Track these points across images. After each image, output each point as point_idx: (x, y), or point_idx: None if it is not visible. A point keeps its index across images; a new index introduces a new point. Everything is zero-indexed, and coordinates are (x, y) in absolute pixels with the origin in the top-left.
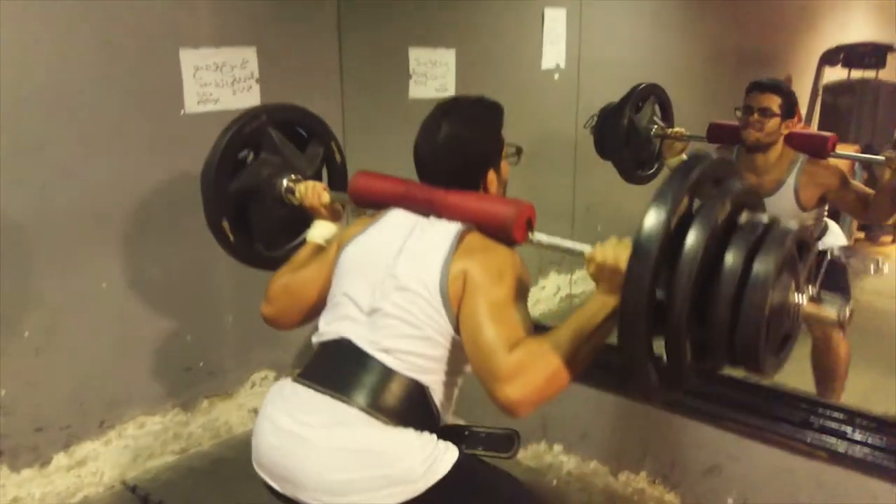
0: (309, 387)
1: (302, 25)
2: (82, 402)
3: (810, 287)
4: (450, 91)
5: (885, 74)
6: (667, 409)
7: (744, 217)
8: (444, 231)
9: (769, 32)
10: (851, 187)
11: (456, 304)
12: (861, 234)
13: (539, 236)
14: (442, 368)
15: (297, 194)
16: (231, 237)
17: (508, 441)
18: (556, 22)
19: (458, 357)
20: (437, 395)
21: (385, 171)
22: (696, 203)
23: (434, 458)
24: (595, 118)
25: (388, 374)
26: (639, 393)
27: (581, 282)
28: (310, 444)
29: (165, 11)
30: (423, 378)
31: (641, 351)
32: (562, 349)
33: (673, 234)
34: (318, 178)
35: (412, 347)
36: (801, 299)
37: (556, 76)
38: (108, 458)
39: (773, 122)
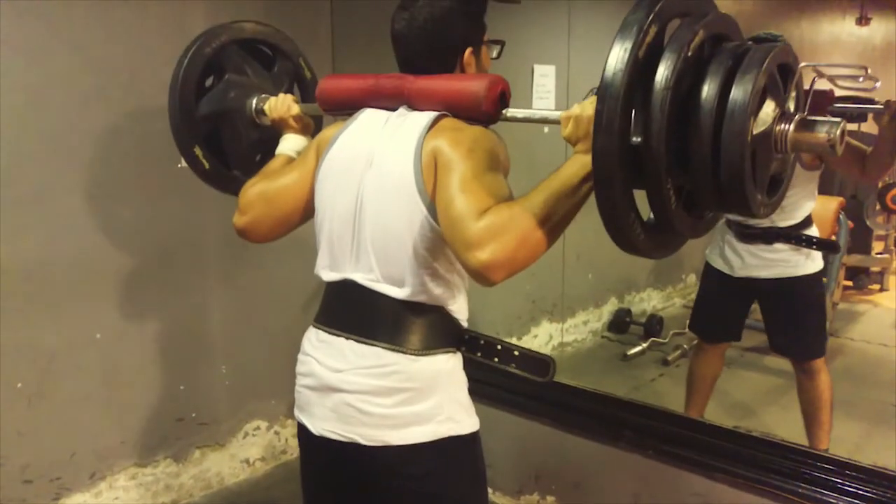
0: (332, 333)
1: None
2: (73, 453)
3: (796, 113)
4: None
5: (866, 127)
6: (658, 460)
7: (719, 43)
8: (416, 120)
9: None
10: (849, 143)
11: (430, 190)
12: (849, 283)
13: (513, 112)
14: (445, 279)
15: (267, 110)
16: (206, 164)
17: (544, 365)
18: (545, 77)
19: (453, 260)
20: (451, 306)
21: None
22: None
23: (457, 411)
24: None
25: (398, 305)
26: (622, 247)
27: (573, 329)
28: (345, 387)
29: (162, 67)
30: (432, 295)
31: (620, 201)
32: (534, 211)
33: (642, 69)
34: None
35: (409, 267)
36: (787, 126)
37: (546, 129)
38: None
39: None
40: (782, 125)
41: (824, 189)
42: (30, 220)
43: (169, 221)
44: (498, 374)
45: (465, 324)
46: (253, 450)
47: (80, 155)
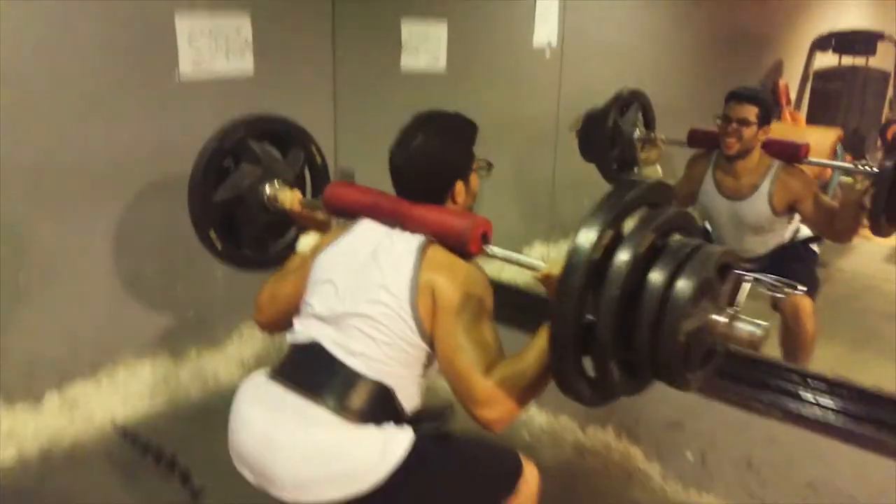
0: (281, 384)
1: None
2: (75, 343)
3: (729, 309)
4: (441, 64)
5: (874, 61)
6: None
7: (673, 240)
8: (408, 243)
9: (762, 16)
10: (820, 200)
11: (427, 319)
12: None
13: (494, 250)
14: (407, 372)
15: (279, 201)
16: (218, 245)
17: (441, 415)
18: (548, 0)
19: (422, 362)
20: (403, 395)
21: (372, 141)
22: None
23: (386, 443)
24: (580, 121)
25: (354, 377)
26: (575, 400)
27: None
28: (279, 445)
29: None
30: (389, 381)
31: (571, 372)
32: (528, 374)
33: (600, 261)
34: (299, 181)
35: (378, 354)
36: (720, 319)
37: (548, 54)
38: (98, 399)
39: (750, 131)
40: (715, 320)
41: (826, 120)
42: (29, 124)
43: (165, 131)
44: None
45: (407, 414)
46: (248, 350)
47: (77, 63)
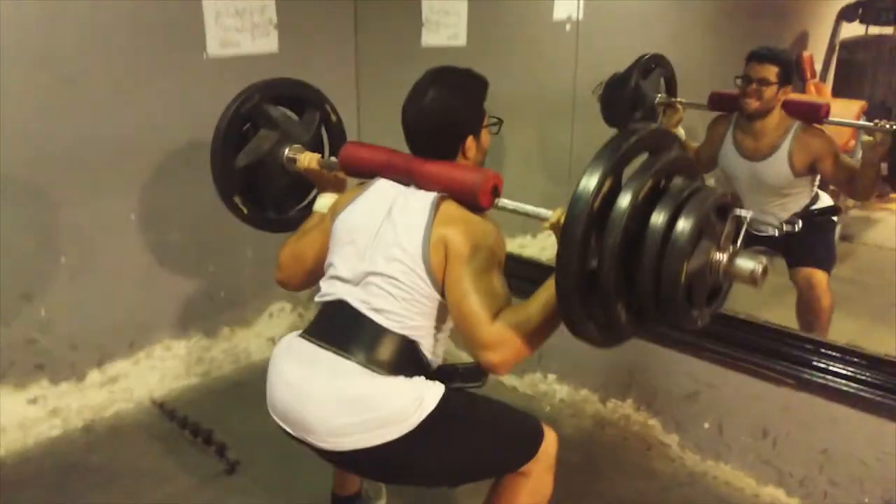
0: (312, 342)
1: None
2: (114, 323)
3: (729, 247)
4: (461, 40)
5: None
6: (651, 341)
7: (673, 184)
8: (422, 200)
9: None
10: (839, 159)
11: (439, 272)
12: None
13: (504, 202)
14: (428, 325)
15: (298, 163)
16: (244, 210)
17: (477, 374)
18: None
19: (441, 315)
20: (426, 347)
21: (394, 117)
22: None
23: (422, 396)
24: (602, 86)
25: (380, 331)
26: (584, 341)
27: None
28: (314, 394)
29: None
30: (412, 333)
31: (578, 315)
32: (532, 321)
33: (603, 206)
34: (317, 140)
35: (399, 308)
36: (721, 257)
37: (568, 27)
38: (137, 376)
39: (770, 91)
40: (716, 257)
41: (852, 92)
42: (64, 105)
43: (197, 110)
44: (510, 265)
45: (434, 366)
46: (277, 329)
47: (110, 43)
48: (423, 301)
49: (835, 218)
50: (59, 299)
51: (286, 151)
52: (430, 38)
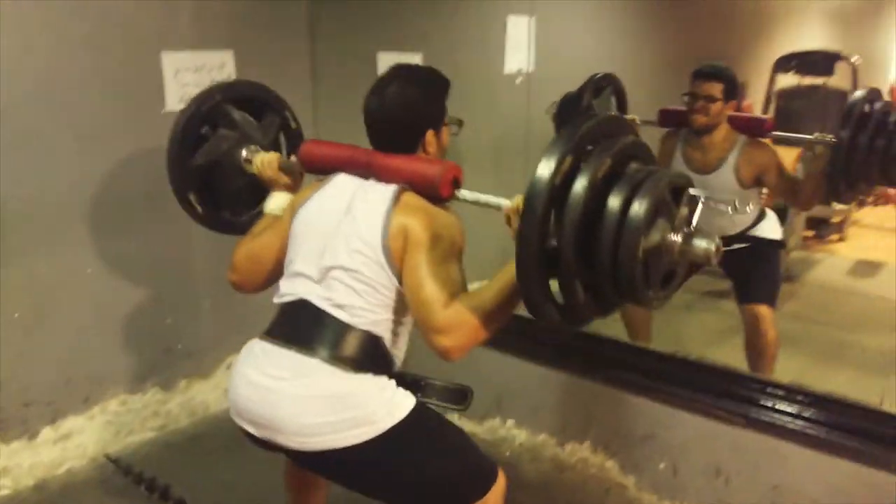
0: (275, 343)
1: (276, 31)
2: (68, 378)
3: (684, 227)
4: None
5: (833, 81)
6: (606, 384)
7: (630, 166)
8: (382, 192)
9: (724, 39)
10: (783, 171)
11: (398, 259)
12: (810, 233)
13: (464, 193)
14: (390, 318)
15: (255, 167)
16: (199, 208)
17: (462, 395)
18: (518, 28)
19: (402, 307)
20: (390, 342)
21: None
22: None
23: (393, 402)
24: (556, 105)
25: (343, 328)
26: (546, 323)
27: None
28: (281, 394)
29: (150, 15)
30: (376, 329)
31: (537, 294)
32: (486, 306)
33: (563, 184)
34: (275, 145)
35: (361, 303)
36: (676, 238)
37: (518, 80)
38: (91, 432)
39: (716, 107)
40: (670, 238)
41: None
42: (22, 161)
43: (155, 163)
44: None
45: (397, 361)
46: None
47: (70, 98)
48: (384, 292)
49: (781, 249)
50: (11, 355)
51: (244, 153)
52: None
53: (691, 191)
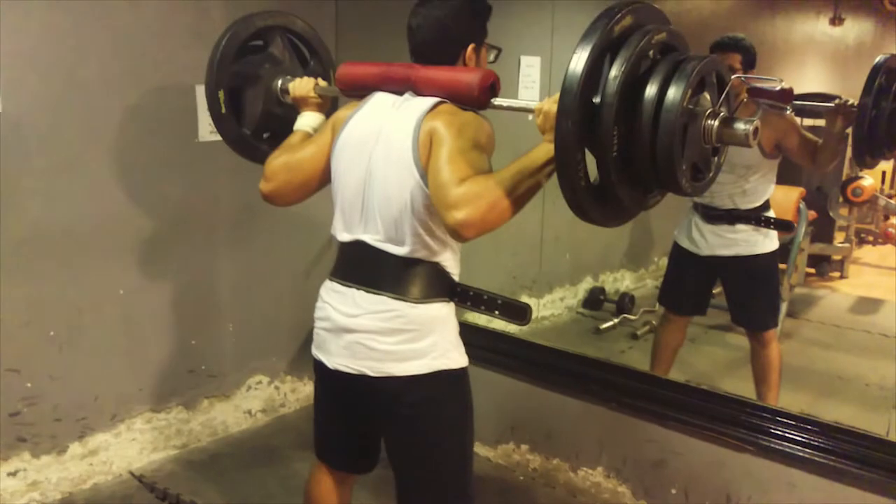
0: (344, 284)
1: None
2: (97, 396)
3: (723, 110)
4: None
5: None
6: (619, 411)
7: (671, 48)
8: (419, 104)
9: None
10: (803, 135)
11: (425, 162)
12: (812, 270)
13: (499, 101)
14: (438, 239)
15: (290, 88)
16: (223, 108)
17: (522, 311)
18: (531, 68)
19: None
20: (444, 262)
21: None
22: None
23: (456, 347)
24: None
25: (400, 262)
26: (571, 200)
27: (550, 304)
28: (357, 328)
29: (185, 52)
30: (429, 255)
31: (573, 149)
32: (504, 184)
33: (609, 51)
34: None
35: (408, 229)
36: (713, 122)
37: (530, 117)
38: (117, 448)
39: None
40: (709, 121)
41: (791, 180)
42: (63, 187)
43: (186, 191)
44: (480, 336)
45: (456, 278)
46: (255, 402)
47: (108, 129)
48: (421, 202)
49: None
50: (45, 372)
51: (282, 80)
52: None
53: (734, 77)
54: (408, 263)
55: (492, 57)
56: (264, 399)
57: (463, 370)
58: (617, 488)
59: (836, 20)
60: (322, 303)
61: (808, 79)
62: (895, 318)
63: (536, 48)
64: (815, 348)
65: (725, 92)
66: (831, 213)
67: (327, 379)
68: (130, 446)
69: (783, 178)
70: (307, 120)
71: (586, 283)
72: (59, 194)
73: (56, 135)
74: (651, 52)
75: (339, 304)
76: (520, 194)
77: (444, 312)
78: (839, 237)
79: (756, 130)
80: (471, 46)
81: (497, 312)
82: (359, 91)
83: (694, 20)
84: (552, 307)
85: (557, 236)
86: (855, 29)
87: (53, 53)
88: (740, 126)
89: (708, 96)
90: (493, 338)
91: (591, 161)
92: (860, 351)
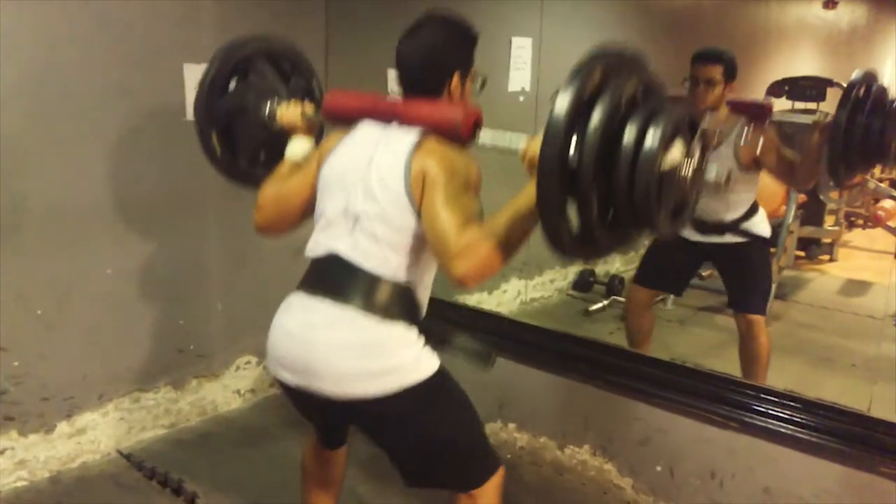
0: (311, 295)
1: None
2: (85, 375)
3: (696, 157)
4: None
5: (824, 107)
6: (606, 389)
7: (649, 99)
8: (404, 138)
9: None
10: (782, 151)
11: (419, 200)
12: (802, 253)
13: (484, 136)
14: (417, 266)
15: (278, 115)
16: (218, 150)
17: (487, 355)
18: (522, 49)
19: (429, 254)
20: (418, 291)
21: None
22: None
23: (420, 358)
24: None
25: (374, 279)
26: (555, 249)
27: (540, 286)
28: (316, 341)
29: (172, 29)
30: (404, 278)
31: (554, 209)
32: (499, 235)
33: (585, 110)
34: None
35: (389, 251)
36: (688, 166)
37: (521, 98)
38: (105, 428)
39: (717, 89)
40: (684, 169)
41: None
42: (49, 166)
43: (174, 170)
44: (468, 316)
45: (423, 310)
46: (243, 382)
47: (93, 107)
48: (408, 237)
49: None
50: (32, 351)
51: (269, 105)
52: None
53: (705, 130)
54: (380, 282)
55: (478, 85)
56: (253, 379)
57: (435, 374)
58: (603, 466)
59: (829, 3)
60: (283, 314)
61: (801, 62)
62: (884, 301)
63: (527, 29)
64: (802, 330)
65: (698, 137)
66: (821, 196)
67: (293, 393)
68: (118, 425)
69: None
70: (297, 147)
71: (576, 266)
72: (46, 173)
73: (41, 114)
74: (627, 101)
75: (302, 314)
76: (514, 241)
77: (409, 333)
78: (829, 220)
79: (728, 178)
80: (457, 75)
81: (462, 354)
82: (345, 120)
83: (689, 4)
84: (542, 289)
85: None
86: (848, 12)
87: (37, 30)
88: (712, 174)
89: (681, 143)
90: (481, 317)
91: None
92: (848, 333)
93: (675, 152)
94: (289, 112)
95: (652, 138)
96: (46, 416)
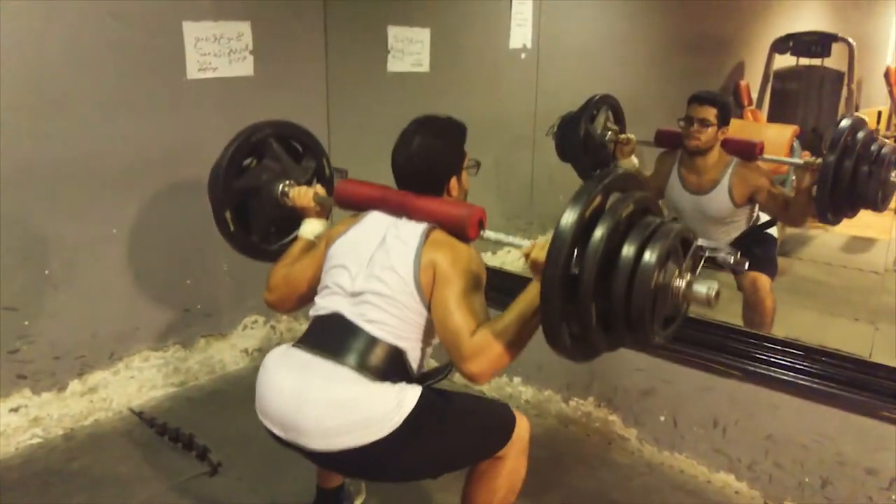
0: (306, 350)
1: (291, 2)
2: (94, 334)
3: (688, 274)
4: (425, 66)
5: (829, 62)
6: None
7: (643, 216)
8: (414, 229)
9: (724, 20)
10: (774, 190)
11: (427, 290)
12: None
13: (488, 234)
14: (417, 338)
15: (290, 197)
16: (231, 227)
17: (444, 368)
18: (522, 5)
19: (429, 331)
20: (412, 357)
21: (362, 137)
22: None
23: (402, 398)
24: (555, 126)
25: (372, 340)
26: (555, 349)
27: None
28: (310, 399)
29: None
30: (401, 344)
31: (556, 315)
32: (507, 334)
33: (586, 226)
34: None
35: (392, 321)
36: (680, 282)
37: (523, 55)
38: (116, 386)
39: (710, 131)
40: (677, 282)
41: (786, 118)
42: (51, 125)
43: (176, 129)
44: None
45: (417, 369)
46: (251, 341)
47: (96, 67)
48: (412, 317)
49: (775, 234)
50: (42, 310)
51: (282, 186)
52: (394, 65)
53: (698, 243)
54: (378, 344)
55: (473, 172)
56: (260, 338)
57: (422, 399)
58: (608, 417)
59: None
60: (272, 368)
61: (806, 17)
62: (885, 256)
63: None
64: (806, 284)
65: (691, 254)
66: (826, 153)
67: (281, 441)
68: (129, 384)
69: (778, 117)
70: (310, 227)
71: None
72: (48, 132)
73: (41, 74)
74: (625, 219)
75: (297, 371)
76: (521, 340)
77: (395, 387)
78: None
79: (717, 295)
80: (453, 178)
81: (427, 380)
82: (355, 207)
83: None
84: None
85: (551, 176)
86: None
87: None
88: (702, 290)
89: (675, 262)
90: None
91: None
92: (850, 288)
93: (667, 273)
94: (301, 194)
95: (648, 260)
96: (58, 374)
